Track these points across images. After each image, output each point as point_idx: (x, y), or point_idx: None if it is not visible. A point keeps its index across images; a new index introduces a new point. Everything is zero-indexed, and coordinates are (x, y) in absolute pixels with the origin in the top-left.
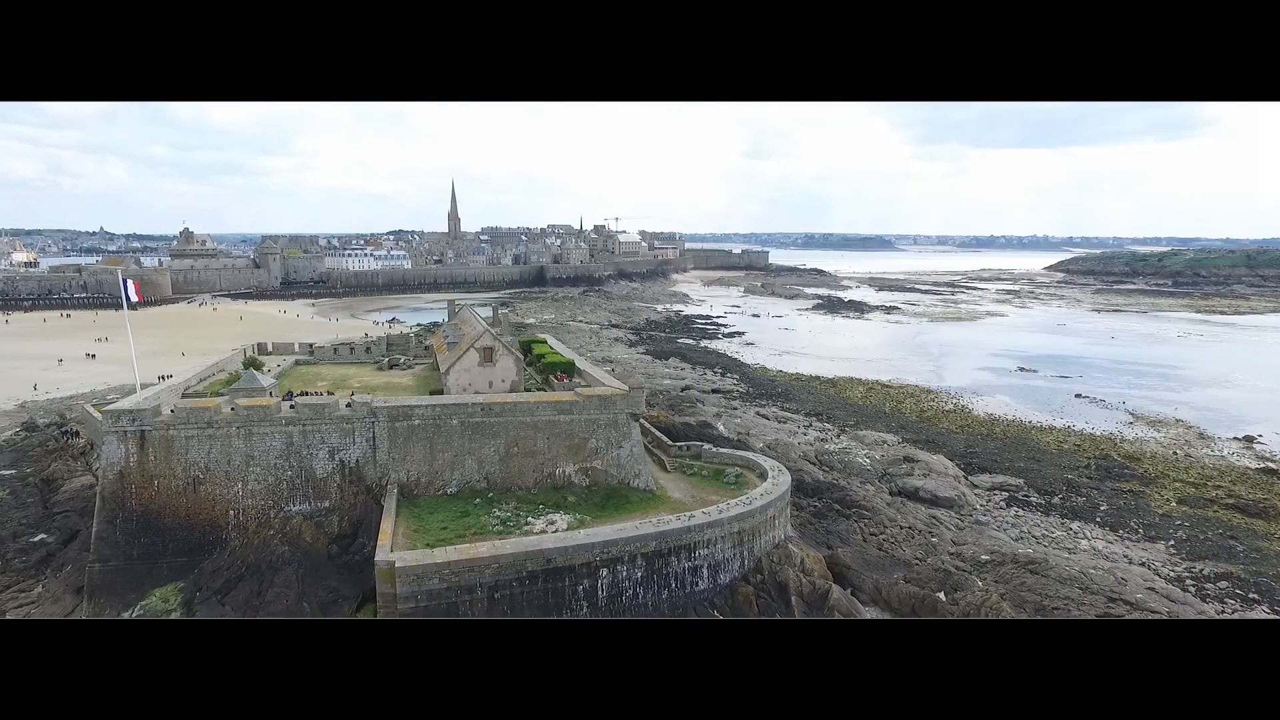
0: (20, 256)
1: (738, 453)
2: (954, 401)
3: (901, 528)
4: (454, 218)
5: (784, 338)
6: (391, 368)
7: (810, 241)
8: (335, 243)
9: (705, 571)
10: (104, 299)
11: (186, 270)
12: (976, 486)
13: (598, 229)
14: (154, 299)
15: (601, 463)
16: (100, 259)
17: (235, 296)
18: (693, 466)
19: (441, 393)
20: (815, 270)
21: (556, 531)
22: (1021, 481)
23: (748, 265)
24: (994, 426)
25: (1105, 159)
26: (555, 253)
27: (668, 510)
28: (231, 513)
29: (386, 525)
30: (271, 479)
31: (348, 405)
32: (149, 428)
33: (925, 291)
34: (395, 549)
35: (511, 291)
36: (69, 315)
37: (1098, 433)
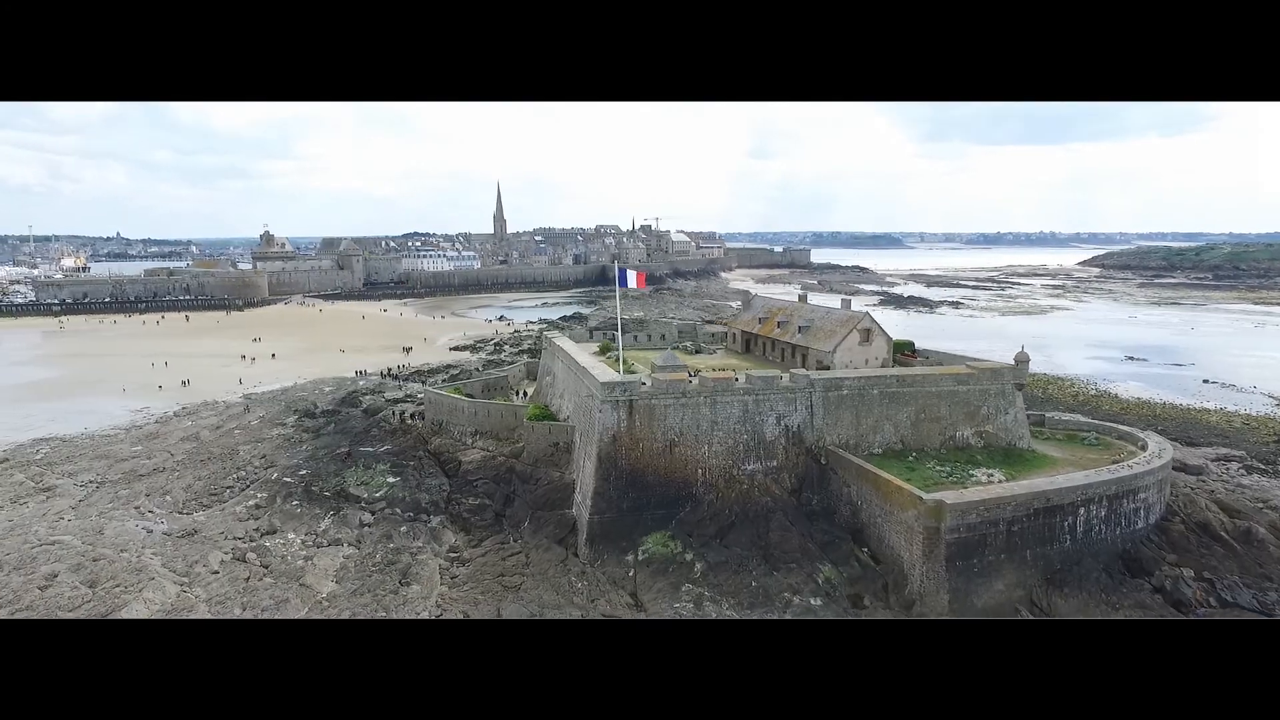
0: (69, 262)
1: (1080, 419)
2: (1093, 387)
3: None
4: (499, 219)
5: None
6: (697, 353)
7: (819, 240)
8: (393, 244)
9: (1142, 513)
10: (208, 300)
11: (279, 272)
12: (1203, 458)
13: (645, 229)
14: (255, 300)
15: (992, 427)
16: (188, 262)
17: (325, 298)
18: (1042, 432)
19: (828, 369)
20: (857, 268)
21: (998, 483)
22: (1243, 452)
23: (790, 263)
24: (1152, 409)
25: (1109, 155)
26: (613, 252)
27: (1071, 467)
28: (700, 471)
29: (885, 474)
30: (731, 441)
31: (788, 378)
32: (635, 398)
33: (974, 287)
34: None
35: (579, 290)
36: (188, 317)
37: (1254, 413)
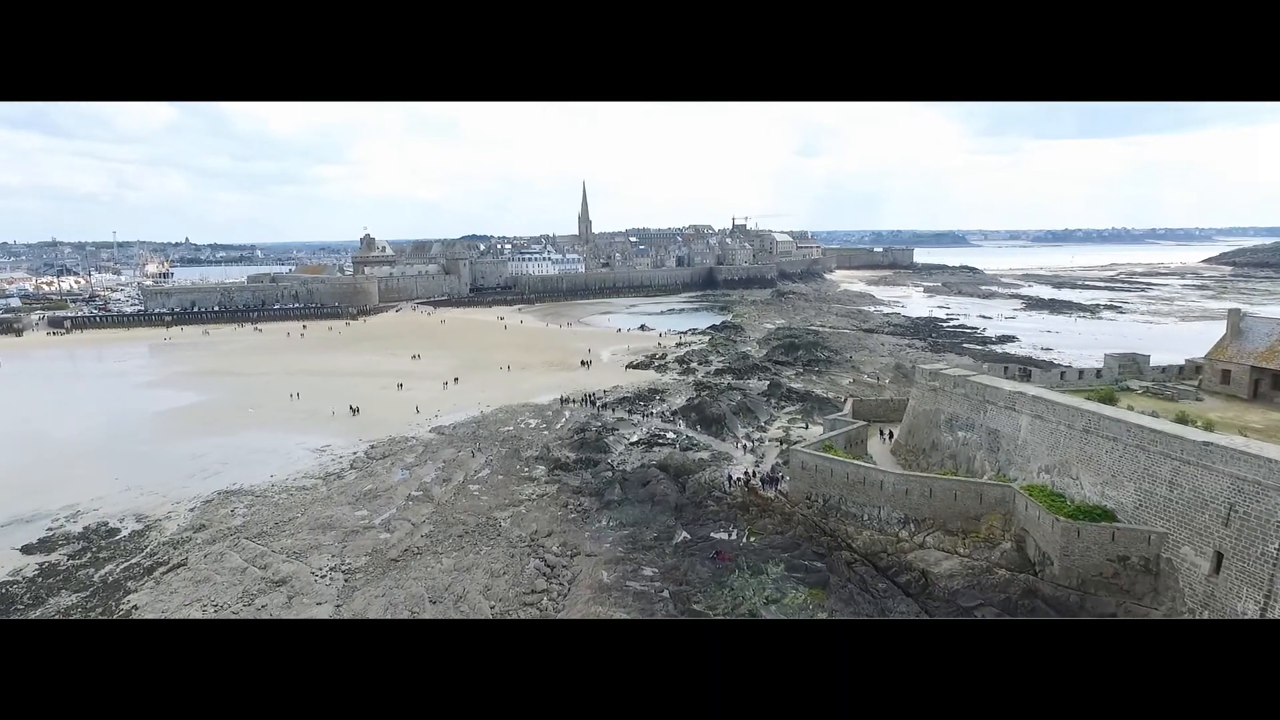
0: (153, 268)
1: None
2: None
3: None
4: (584, 220)
5: (1090, 339)
6: (1170, 400)
7: (879, 239)
8: (480, 246)
9: None
10: (318, 308)
11: (387, 278)
12: None
13: (739, 228)
14: (366, 308)
15: None
16: (300, 270)
17: (434, 304)
18: None
19: None
20: (966, 268)
21: None
22: None
23: (892, 263)
24: None
25: (1173, 148)
26: (718, 254)
27: None
28: None
29: None
30: None
31: None
32: None
33: (1108, 288)
34: None
35: (689, 295)
36: (306, 327)
37: None
